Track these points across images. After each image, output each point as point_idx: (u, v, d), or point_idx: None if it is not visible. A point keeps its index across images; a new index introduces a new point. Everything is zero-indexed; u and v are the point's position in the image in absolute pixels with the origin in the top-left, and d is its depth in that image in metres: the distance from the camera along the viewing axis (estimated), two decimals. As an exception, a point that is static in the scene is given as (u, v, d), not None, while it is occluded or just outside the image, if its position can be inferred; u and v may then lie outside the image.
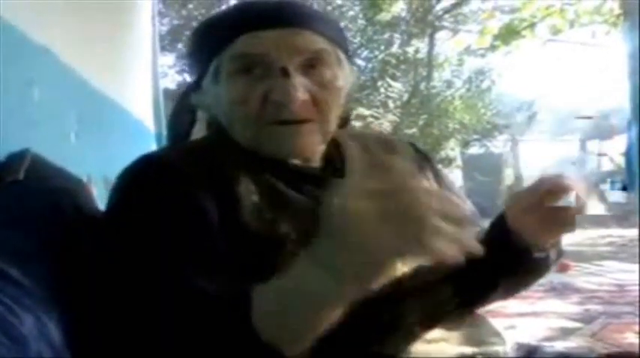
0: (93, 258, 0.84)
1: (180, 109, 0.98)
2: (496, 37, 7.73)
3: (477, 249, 0.61)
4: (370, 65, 10.96)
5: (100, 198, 1.41)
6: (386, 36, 10.98)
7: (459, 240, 0.60)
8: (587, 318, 3.38)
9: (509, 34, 7.59)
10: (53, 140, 1.43)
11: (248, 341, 0.69)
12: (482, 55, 10.04)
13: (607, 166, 13.65)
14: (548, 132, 15.62)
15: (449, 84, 11.49)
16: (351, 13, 10.91)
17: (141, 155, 0.87)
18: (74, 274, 0.82)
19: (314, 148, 0.88)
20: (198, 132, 0.99)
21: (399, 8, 10.89)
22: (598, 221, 9.40)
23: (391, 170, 0.93)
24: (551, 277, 4.53)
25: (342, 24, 7.34)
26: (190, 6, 11.80)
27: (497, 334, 0.89)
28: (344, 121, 0.96)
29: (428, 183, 0.96)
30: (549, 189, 0.84)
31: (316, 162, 0.90)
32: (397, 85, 10.76)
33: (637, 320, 3.01)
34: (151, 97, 2.85)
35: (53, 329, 0.76)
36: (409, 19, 11.10)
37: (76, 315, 0.79)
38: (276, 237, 0.79)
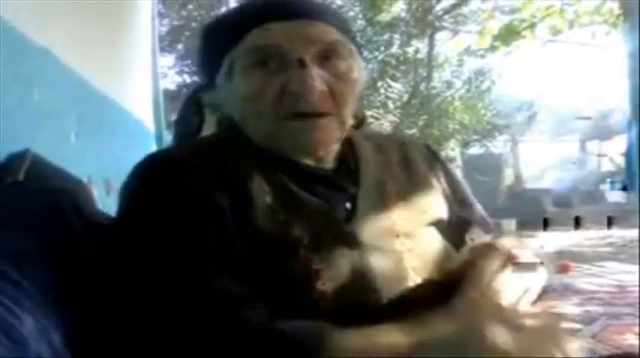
0: (94, 259, 0.84)
1: (188, 111, 0.97)
2: (496, 38, 7.74)
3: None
4: (370, 66, 10.96)
5: (100, 198, 1.41)
6: (386, 36, 10.98)
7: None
8: (587, 319, 3.38)
9: (509, 34, 7.60)
10: (53, 140, 1.43)
11: (270, 340, 0.70)
12: (482, 56, 10.06)
13: (607, 167, 13.67)
14: (548, 133, 15.64)
15: (449, 84, 11.49)
16: (351, 13, 10.91)
17: (152, 152, 0.86)
18: (74, 275, 0.82)
19: (331, 143, 0.87)
20: (206, 133, 0.97)
21: (398, 9, 10.90)
22: (598, 221, 9.40)
23: (406, 171, 0.92)
24: (552, 278, 4.53)
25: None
26: (190, 7, 11.80)
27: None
28: (359, 122, 0.94)
29: (438, 183, 0.95)
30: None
31: (329, 162, 0.88)
32: (397, 86, 10.76)
33: (637, 321, 3.01)
34: (150, 98, 2.85)
35: (53, 330, 0.76)
36: (409, 20, 11.10)
37: (76, 316, 0.79)
38: (289, 240, 0.78)
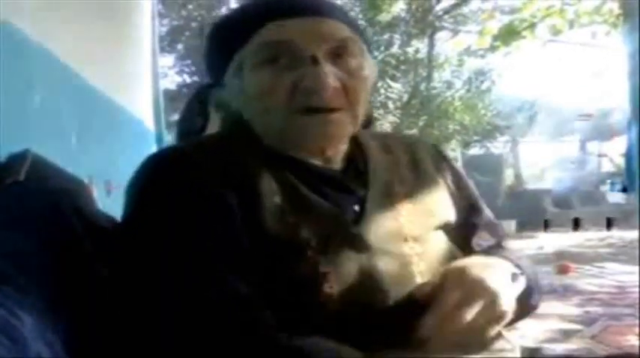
0: (97, 259, 0.84)
1: (192, 110, 0.96)
2: (496, 38, 7.73)
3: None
4: (370, 66, 10.94)
5: (100, 198, 1.41)
6: (386, 36, 10.97)
7: None
8: (587, 320, 3.38)
9: (509, 34, 7.59)
10: (54, 140, 1.43)
11: (278, 344, 0.70)
12: (482, 56, 10.05)
13: (607, 167, 13.66)
14: (548, 133, 15.64)
15: (449, 85, 11.49)
16: (351, 13, 10.91)
17: (159, 149, 0.86)
18: (74, 275, 0.82)
19: (342, 138, 0.86)
20: (210, 132, 0.97)
21: (398, 9, 10.89)
22: (598, 222, 9.40)
23: (414, 172, 0.91)
24: (552, 279, 4.53)
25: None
26: (190, 7, 11.81)
27: (508, 341, 0.88)
28: (367, 121, 0.93)
29: (446, 184, 0.94)
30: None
31: (337, 163, 0.88)
32: (397, 86, 10.76)
33: (637, 322, 3.01)
34: (150, 98, 2.85)
35: (53, 330, 0.76)
36: (409, 20, 11.10)
37: (76, 316, 0.79)
38: (297, 242, 0.77)
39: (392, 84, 10.61)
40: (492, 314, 0.77)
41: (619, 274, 4.98)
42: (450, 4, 11.71)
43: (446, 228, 0.90)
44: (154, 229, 0.78)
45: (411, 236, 0.84)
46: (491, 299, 0.77)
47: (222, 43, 0.87)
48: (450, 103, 11.14)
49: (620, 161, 9.77)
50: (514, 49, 7.89)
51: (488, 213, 1.00)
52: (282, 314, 0.73)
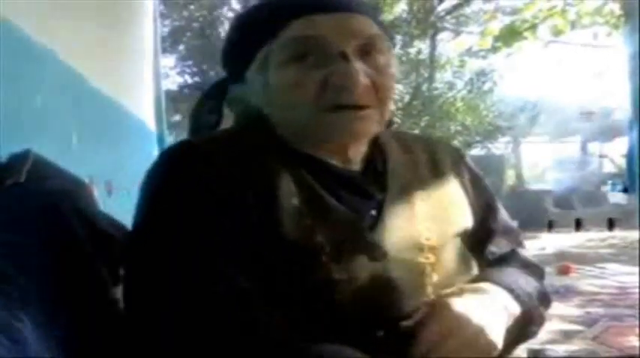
0: (95, 259, 0.84)
1: (204, 108, 0.94)
2: (497, 39, 7.73)
3: None
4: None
5: (101, 199, 1.41)
6: (387, 37, 10.96)
7: None
8: (588, 321, 3.37)
9: (510, 35, 7.59)
10: (55, 141, 1.43)
11: (288, 346, 0.70)
12: (484, 57, 10.06)
13: (608, 168, 13.65)
14: (549, 134, 15.62)
15: (451, 85, 11.50)
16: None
17: (174, 143, 0.84)
18: (74, 275, 0.82)
19: (369, 137, 0.84)
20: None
21: (400, 9, 10.90)
22: (599, 223, 9.39)
23: (434, 175, 0.90)
24: (553, 280, 4.53)
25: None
26: (192, 7, 11.81)
27: None
28: (389, 121, 0.91)
29: (464, 188, 0.92)
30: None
31: (357, 163, 0.86)
32: (399, 87, 10.76)
33: (638, 323, 3.00)
34: (152, 98, 2.86)
35: (53, 331, 0.76)
36: (410, 21, 11.10)
37: (76, 316, 0.79)
38: (311, 247, 0.76)
39: (393, 84, 10.59)
40: (477, 347, 0.76)
41: (620, 275, 4.97)
42: (452, 5, 11.71)
43: (463, 234, 0.88)
44: (163, 226, 0.77)
45: (427, 245, 0.82)
46: (474, 333, 0.76)
47: (248, 37, 0.85)
48: (452, 104, 11.14)
49: (622, 162, 9.77)
50: (516, 50, 7.89)
51: (505, 217, 0.98)
52: (292, 317, 0.72)
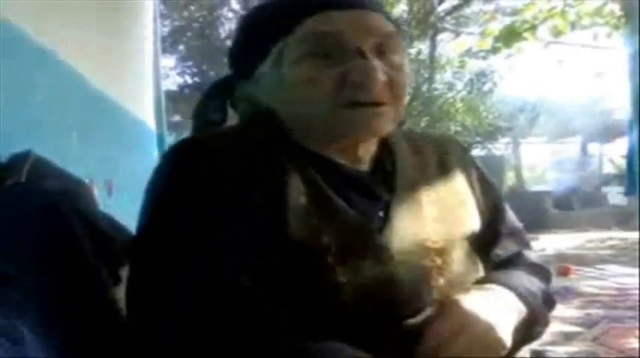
0: (95, 259, 0.84)
1: (206, 108, 0.92)
2: (497, 39, 7.72)
3: None
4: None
5: (102, 198, 1.41)
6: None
7: None
8: (588, 323, 3.38)
9: (510, 36, 7.58)
10: (55, 141, 1.43)
11: (290, 345, 0.69)
12: (484, 57, 10.04)
13: (608, 168, 13.66)
14: (549, 135, 15.62)
15: (450, 86, 11.50)
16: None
17: (181, 140, 0.82)
18: (74, 275, 0.82)
19: (385, 133, 0.83)
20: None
21: (400, 10, 10.90)
22: (599, 224, 9.39)
23: (443, 176, 0.89)
24: (553, 281, 4.52)
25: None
26: (192, 8, 11.82)
27: None
28: (400, 120, 0.90)
29: (472, 190, 0.92)
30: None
31: (365, 163, 0.85)
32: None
33: (638, 324, 3.00)
34: (152, 99, 2.85)
35: (53, 331, 0.76)
36: (410, 21, 11.10)
37: (75, 317, 0.79)
38: (317, 248, 0.75)
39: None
40: (487, 344, 0.76)
41: (620, 276, 4.98)
42: (452, 6, 11.72)
43: (470, 236, 0.88)
44: (168, 225, 0.76)
45: (434, 248, 0.82)
46: (484, 330, 0.76)
47: (261, 32, 0.84)
48: (452, 105, 11.14)
49: (621, 162, 9.77)
50: (515, 51, 7.88)
51: (511, 218, 0.97)
52: (297, 317, 0.72)
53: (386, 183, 0.85)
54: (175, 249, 0.74)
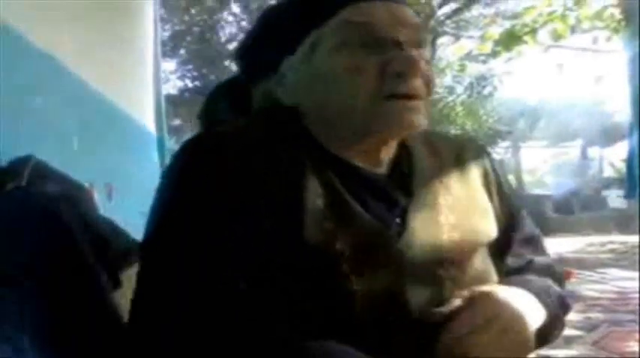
0: (94, 263, 0.84)
1: (216, 108, 0.90)
2: (497, 43, 7.73)
3: None
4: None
5: (102, 202, 1.41)
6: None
7: None
8: (588, 326, 3.37)
9: (510, 39, 7.59)
10: (56, 145, 1.43)
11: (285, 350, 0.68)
12: (484, 61, 10.05)
13: (608, 172, 13.66)
14: (549, 138, 15.63)
15: (450, 90, 11.49)
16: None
17: (194, 137, 0.79)
18: (73, 280, 0.82)
19: (419, 129, 0.80)
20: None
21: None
22: (599, 227, 9.39)
23: (461, 180, 0.86)
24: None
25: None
26: (192, 11, 11.83)
27: None
28: None
29: (490, 195, 0.89)
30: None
31: (384, 166, 0.82)
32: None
33: (638, 328, 3.00)
34: (152, 102, 2.86)
35: (53, 335, 0.76)
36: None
37: (75, 321, 0.79)
38: (331, 254, 0.73)
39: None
40: (516, 337, 0.75)
41: (620, 280, 4.97)
42: (452, 10, 11.73)
43: (487, 244, 0.86)
44: (173, 228, 0.75)
45: (449, 258, 0.79)
46: (516, 321, 0.75)
47: (289, 26, 0.81)
48: (452, 108, 11.14)
49: (622, 166, 9.77)
50: (515, 54, 7.89)
51: (528, 225, 0.95)
52: (305, 322, 0.71)
53: (403, 186, 0.82)
54: (178, 252, 0.74)
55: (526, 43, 7.59)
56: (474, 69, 11.22)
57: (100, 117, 1.88)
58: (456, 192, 0.84)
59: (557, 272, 0.94)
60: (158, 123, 2.86)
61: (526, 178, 14.80)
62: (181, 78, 12.11)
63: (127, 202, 1.74)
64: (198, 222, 0.73)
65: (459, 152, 0.89)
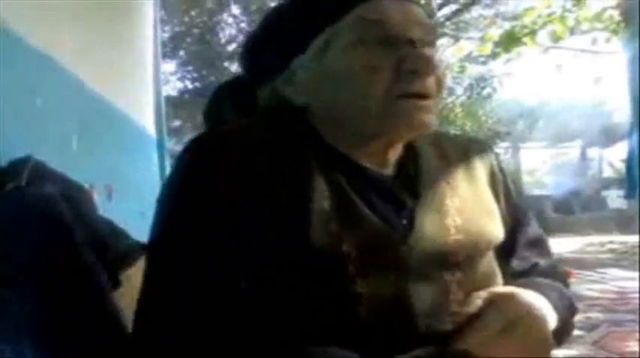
0: (94, 263, 0.84)
1: (220, 107, 0.89)
2: (497, 44, 7.74)
3: None
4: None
5: (101, 203, 1.41)
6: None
7: None
8: (588, 326, 3.37)
9: (510, 41, 7.60)
10: (55, 146, 1.43)
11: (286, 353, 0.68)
12: (484, 62, 10.05)
13: (608, 172, 13.66)
14: (548, 139, 15.63)
15: (450, 91, 11.49)
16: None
17: (198, 136, 0.78)
18: (73, 280, 0.82)
19: (430, 129, 0.79)
20: None
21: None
22: (599, 227, 9.39)
23: (468, 182, 0.85)
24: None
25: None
26: (192, 13, 11.83)
27: None
28: None
29: (497, 197, 0.88)
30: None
31: (390, 167, 0.81)
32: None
33: (638, 328, 3.00)
34: (152, 104, 2.86)
35: (52, 335, 0.76)
36: (410, 26, 11.10)
37: (75, 321, 0.80)
38: (337, 256, 0.72)
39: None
40: (538, 340, 0.76)
41: (620, 280, 4.98)
42: (452, 11, 11.73)
43: (494, 246, 0.85)
44: (177, 229, 0.74)
45: (455, 261, 0.78)
46: (539, 324, 0.75)
47: (301, 23, 0.80)
48: (451, 109, 11.15)
49: (621, 166, 9.77)
50: (515, 56, 7.89)
51: (534, 226, 0.94)
52: (309, 325, 0.70)
53: (409, 188, 0.81)
54: (181, 256, 0.73)
55: (525, 44, 7.59)
56: (473, 70, 11.22)
57: (100, 118, 1.88)
58: (463, 194, 0.83)
59: (561, 273, 0.94)
60: (158, 124, 2.86)
61: (525, 179, 14.79)
62: (181, 79, 12.11)
63: (127, 203, 1.74)
64: (199, 224, 0.73)
65: (466, 152, 0.88)
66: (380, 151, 0.80)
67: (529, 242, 0.92)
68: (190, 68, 12.12)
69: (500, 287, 0.79)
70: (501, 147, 13.30)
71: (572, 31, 7.73)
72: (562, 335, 0.85)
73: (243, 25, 11.82)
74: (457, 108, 11.20)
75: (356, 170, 0.78)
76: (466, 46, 10.01)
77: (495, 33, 8.02)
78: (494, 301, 0.76)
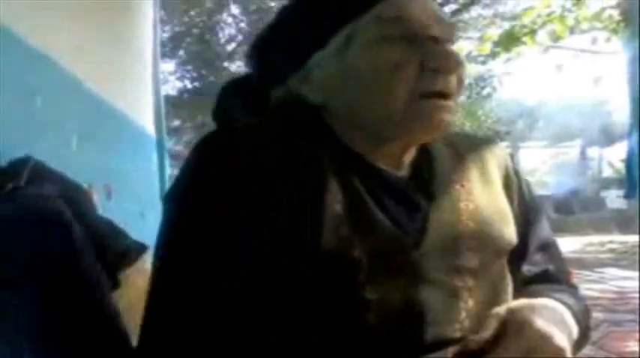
0: (94, 263, 0.84)
1: (230, 106, 0.86)
2: (497, 44, 7.75)
3: None
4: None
5: (101, 203, 1.41)
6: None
7: None
8: (588, 326, 3.37)
9: (509, 40, 7.61)
10: (55, 146, 1.43)
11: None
12: (483, 62, 10.06)
13: (607, 172, 13.68)
14: (548, 139, 15.65)
15: (449, 91, 11.51)
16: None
17: (209, 134, 0.76)
18: (73, 280, 0.82)
19: (448, 129, 0.77)
20: None
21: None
22: (599, 227, 9.40)
23: (483, 185, 0.83)
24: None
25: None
26: (192, 13, 11.84)
27: None
28: None
29: (511, 201, 0.85)
30: None
31: (404, 169, 0.79)
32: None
33: (638, 328, 3.00)
34: (152, 104, 2.86)
35: (51, 335, 0.76)
36: (410, 26, 11.10)
37: (74, 321, 0.80)
38: (348, 262, 0.70)
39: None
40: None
41: (620, 280, 4.98)
42: (451, 11, 11.72)
43: (507, 252, 0.82)
44: (183, 231, 0.73)
45: (467, 268, 0.76)
46: (556, 354, 0.71)
47: (320, 20, 0.77)
48: (451, 109, 11.15)
49: (621, 166, 9.79)
50: (515, 55, 7.90)
51: (545, 230, 0.91)
52: (318, 332, 0.69)
53: (423, 190, 0.79)
54: (188, 258, 0.72)
55: (525, 44, 7.60)
56: (473, 70, 11.23)
57: (99, 118, 1.88)
58: (478, 197, 0.81)
59: (568, 274, 0.92)
60: (157, 124, 2.86)
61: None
62: (180, 79, 12.12)
63: (126, 203, 1.74)
64: (209, 225, 0.71)
65: (481, 154, 0.86)
66: (396, 153, 0.78)
67: (540, 246, 0.90)
68: (190, 68, 12.12)
69: (518, 305, 0.75)
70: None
71: (571, 31, 7.74)
72: (582, 341, 0.83)
73: (242, 24, 11.83)
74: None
75: (371, 172, 0.76)
76: (465, 45, 10.02)
77: (495, 33, 8.04)
78: (509, 325, 0.71)
